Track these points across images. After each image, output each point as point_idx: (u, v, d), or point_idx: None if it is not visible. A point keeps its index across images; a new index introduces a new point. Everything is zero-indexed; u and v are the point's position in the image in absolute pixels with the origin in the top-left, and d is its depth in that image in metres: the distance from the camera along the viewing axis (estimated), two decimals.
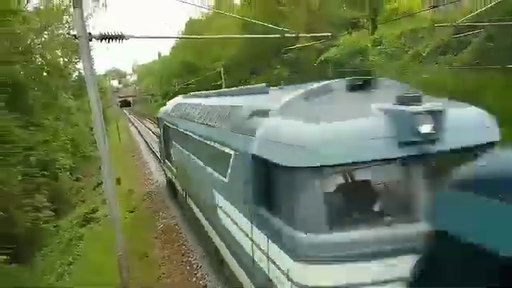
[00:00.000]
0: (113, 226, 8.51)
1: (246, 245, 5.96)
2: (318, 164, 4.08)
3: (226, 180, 6.99)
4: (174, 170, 15.40)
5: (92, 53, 8.77)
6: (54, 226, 26.20)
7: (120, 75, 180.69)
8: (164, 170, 20.43)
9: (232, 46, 44.29)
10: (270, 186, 5.07)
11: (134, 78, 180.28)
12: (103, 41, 8.52)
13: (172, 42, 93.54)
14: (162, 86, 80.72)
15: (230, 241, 7.22)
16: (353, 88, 5.78)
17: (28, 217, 23.76)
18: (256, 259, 5.54)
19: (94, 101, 7.96)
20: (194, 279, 10.65)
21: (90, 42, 8.01)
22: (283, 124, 5.05)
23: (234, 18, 36.62)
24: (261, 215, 5.23)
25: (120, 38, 8.44)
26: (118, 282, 9.30)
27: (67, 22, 35.59)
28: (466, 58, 18.81)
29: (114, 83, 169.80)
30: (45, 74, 35.44)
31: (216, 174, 7.73)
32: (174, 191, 17.16)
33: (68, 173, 33.64)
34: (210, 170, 8.33)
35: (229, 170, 6.73)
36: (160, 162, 23.20)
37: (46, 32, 34.35)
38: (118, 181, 22.50)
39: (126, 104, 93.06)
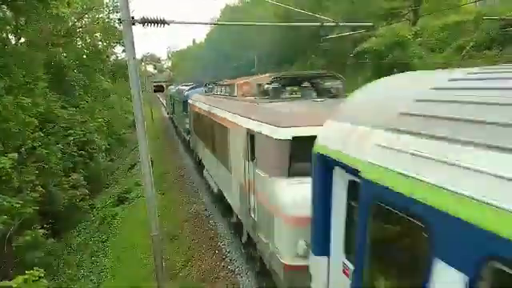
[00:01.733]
0: (146, 206, 8.71)
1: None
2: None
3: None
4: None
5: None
6: (89, 205, 27.24)
7: (155, 60, 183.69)
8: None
9: (267, 34, 44.00)
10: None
11: (169, 63, 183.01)
12: (144, 25, 8.65)
13: (207, 29, 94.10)
14: (196, 73, 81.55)
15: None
16: None
17: (65, 194, 24.82)
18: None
19: (134, 84, 8.11)
20: (223, 264, 10.82)
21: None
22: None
23: (271, 7, 36.28)
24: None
25: (161, 22, 8.52)
26: (151, 260, 9.59)
27: (107, 5, 36.41)
28: None
29: (149, 68, 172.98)
30: (84, 56, 36.52)
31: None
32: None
33: (103, 153, 34.81)
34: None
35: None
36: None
37: (86, 15, 35.28)
38: (151, 163, 23.08)
39: (159, 89, 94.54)
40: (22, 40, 25.34)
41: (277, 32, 40.05)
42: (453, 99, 2.86)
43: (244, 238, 9.89)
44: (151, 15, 8.42)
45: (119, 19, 7.91)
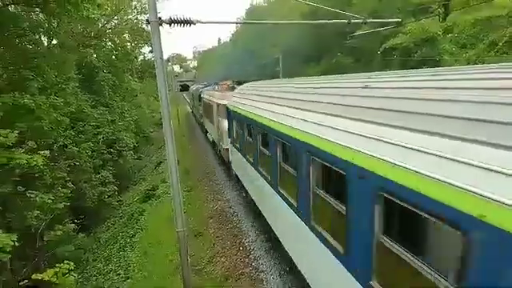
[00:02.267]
0: (172, 203, 8.86)
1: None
2: None
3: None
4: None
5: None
6: (118, 201, 27.97)
7: (181, 60, 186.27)
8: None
9: (291, 32, 43.79)
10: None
11: (195, 63, 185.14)
12: (171, 26, 8.81)
13: (232, 28, 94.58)
14: (221, 72, 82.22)
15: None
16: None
17: (95, 191, 25.58)
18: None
19: (161, 84, 8.24)
20: (247, 260, 10.88)
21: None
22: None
23: (296, 5, 36.05)
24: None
25: (188, 23, 8.63)
26: (176, 255, 9.73)
27: (135, 7, 37.24)
28: None
29: (175, 68, 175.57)
30: (113, 57, 37.46)
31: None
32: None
33: (131, 151, 35.65)
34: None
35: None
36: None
37: (115, 17, 36.15)
38: (177, 162, 23.42)
39: (185, 88, 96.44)
40: (54, 41, 26.21)
41: (302, 30, 39.79)
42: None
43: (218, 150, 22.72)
44: (178, 15, 8.54)
45: (147, 20, 8.04)
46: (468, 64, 17.93)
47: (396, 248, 3.61)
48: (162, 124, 8.63)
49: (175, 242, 10.62)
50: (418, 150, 3.29)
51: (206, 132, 30.78)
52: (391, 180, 3.52)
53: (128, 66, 39.31)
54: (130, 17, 37.68)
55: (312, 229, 5.92)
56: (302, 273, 6.89)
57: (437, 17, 26.91)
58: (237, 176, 15.09)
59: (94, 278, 17.80)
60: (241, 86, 15.72)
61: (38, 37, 23.94)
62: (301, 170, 6.22)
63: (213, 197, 17.85)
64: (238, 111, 12.29)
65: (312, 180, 5.81)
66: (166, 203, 18.94)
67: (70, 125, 24.26)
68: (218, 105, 19.11)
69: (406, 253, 3.48)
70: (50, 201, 16.37)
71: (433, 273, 3.12)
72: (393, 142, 3.69)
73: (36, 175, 17.02)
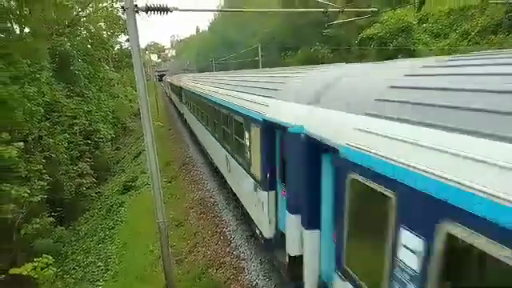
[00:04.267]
0: (152, 194, 8.85)
1: None
2: None
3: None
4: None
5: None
6: (96, 193, 27.60)
7: (158, 49, 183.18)
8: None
9: (271, 21, 43.72)
10: None
11: (173, 52, 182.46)
12: (148, 13, 8.69)
13: (210, 18, 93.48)
14: (199, 61, 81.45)
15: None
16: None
17: (72, 183, 25.16)
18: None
19: (139, 73, 8.15)
20: (228, 249, 10.99)
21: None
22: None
23: None
24: None
25: (165, 10, 8.55)
26: (157, 246, 9.77)
27: None
28: None
29: (153, 57, 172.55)
30: (89, 46, 36.56)
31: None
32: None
33: (109, 142, 35.09)
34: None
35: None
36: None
37: (90, 4, 35.22)
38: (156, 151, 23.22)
39: (162, 78, 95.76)
40: (27, 30, 25.40)
41: (281, 20, 39.76)
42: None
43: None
44: (154, 3, 8.45)
45: (122, 7, 7.91)
46: (440, 54, 18.34)
47: None
48: (140, 114, 8.56)
49: (156, 233, 10.64)
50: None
51: (171, 98, 57.14)
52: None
53: (104, 55, 38.43)
54: (105, 4, 36.79)
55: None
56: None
57: (412, 6, 27.36)
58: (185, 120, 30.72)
59: (74, 270, 17.62)
60: (190, 74, 31.53)
61: (9, 25, 23.15)
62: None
63: (193, 187, 17.85)
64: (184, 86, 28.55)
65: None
66: (146, 194, 18.84)
67: (45, 116, 23.68)
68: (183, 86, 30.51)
69: None
70: (26, 194, 16.05)
71: None
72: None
73: (11, 167, 16.63)
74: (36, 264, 12.87)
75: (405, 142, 3.05)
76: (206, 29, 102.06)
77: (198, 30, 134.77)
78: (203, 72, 44.30)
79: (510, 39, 18.09)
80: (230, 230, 12.14)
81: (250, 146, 8.41)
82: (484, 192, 2.18)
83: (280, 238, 7.23)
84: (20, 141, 17.32)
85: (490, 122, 2.44)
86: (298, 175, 5.55)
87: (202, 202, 15.50)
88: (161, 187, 8.62)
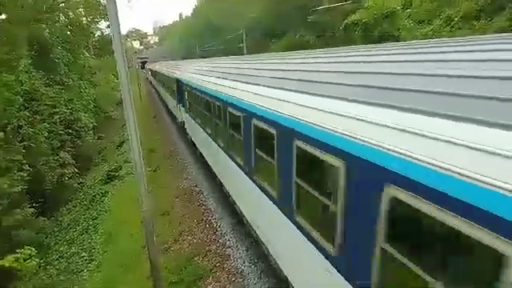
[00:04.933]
0: (136, 183, 8.70)
1: None
2: None
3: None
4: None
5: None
6: (79, 183, 27.17)
7: (141, 36, 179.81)
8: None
9: (256, 7, 43.21)
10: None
11: (156, 39, 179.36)
12: None
13: (194, 3, 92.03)
14: (183, 48, 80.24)
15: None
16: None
17: (54, 173, 24.68)
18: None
19: (120, 60, 7.89)
20: (214, 237, 10.96)
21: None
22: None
23: None
24: None
25: None
26: (142, 236, 9.65)
27: None
28: (501, 24, 17.86)
29: (136, 44, 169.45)
30: (68, 32, 35.56)
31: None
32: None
33: (91, 131, 34.46)
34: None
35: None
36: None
37: None
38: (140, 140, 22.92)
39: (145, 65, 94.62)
40: (3, 16, 24.48)
41: (265, 5, 39.35)
42: None
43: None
44: None
45: None
46: (425, 39, 18.44)
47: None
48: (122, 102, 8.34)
49: (141, 223, 10.53)
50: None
51: (151, 83, 64.97)
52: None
53: (84, 42, 37.47)
54: None
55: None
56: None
57: None
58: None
59: (57, 261, 17.39)
60: (168, 61, 40.17)
61: None
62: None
63: (179, 175, 17.70)
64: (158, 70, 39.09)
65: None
66: (131, 184, 18.61)
67: (24, 105, 23.04)
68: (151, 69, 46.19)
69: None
70: (5, 185, 15.66)
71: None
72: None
73: None
74: (19, 255, 12.63)
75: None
76: (190, 15, 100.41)
77: (181, 16, 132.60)
78: (186, 59, 43.25)
79: (493, 25, 18.28)
80: (215, 218, 12.10)
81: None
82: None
83: None
84: None
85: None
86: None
87: (187, 191, 15.40)
88: (145, 176, 8.47)
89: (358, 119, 3.47)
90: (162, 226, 13.11)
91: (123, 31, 9.24)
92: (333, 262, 4.14)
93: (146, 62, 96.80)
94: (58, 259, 17.58)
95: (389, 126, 3.06)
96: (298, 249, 5.24)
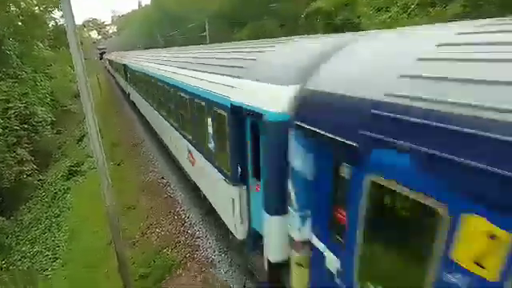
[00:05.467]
0: (98, 178, 8.48)
1: None
2: None
3: None
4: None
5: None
6: (39, 180, 26.10)
7: (99, 26, 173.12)
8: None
9: None
10: None
11: (114, 29, 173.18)
12: None
13: None
14: (143, 38, 78.05)
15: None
16: None
17: (11, 171, 23.56)
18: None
19: (75, 51, 7.57)
20: (182, 228, 10.90)
21: None
22: None
23: None
24: None
25: None
26: (107, 231, 9.45)
27: None
28: (456, 11, 18.56)
29: (93, 34, 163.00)
30: (19, 23, 33.66)
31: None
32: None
33: (49, 126, 33.00)
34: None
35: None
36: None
37: None
38: (100, 133, 22.29)
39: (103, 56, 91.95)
40: None
41: None
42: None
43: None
44: None
45: None
46: (382, 27, 18.91)
47: None
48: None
49: (106, 218, 10.27)
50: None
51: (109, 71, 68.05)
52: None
53: (37, 33, 35.60)
54: None
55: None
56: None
57: None
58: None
59: (20, 262, 16.74)
60: (120, 52, 47.20)
61: None
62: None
63: (144, 168, 17.37)
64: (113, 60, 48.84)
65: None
66: (94, 179, 18.08)
67: None
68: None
69: None
70: None
71: None
72: None
73: None
74: None
75: None
76: (149, 3, 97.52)
77: (140, 4, 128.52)
78: (148, 49, 42.58)
79: (448, 12, 18.97)
80: (183, 210, 12.01)
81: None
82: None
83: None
84: None
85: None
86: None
87: (153, 184, 15.16)
88: (107, 170, 8.25)
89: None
90: (128, 220, 12.88)
91: (79, 21, 8.94)
92: (227, 177, 6.89)
93: (104, 52, 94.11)
94: (20, 259, 16.93)
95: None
96: (212, 176, 8.02)
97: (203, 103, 7.89)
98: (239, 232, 6.85)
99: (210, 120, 7.61)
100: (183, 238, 10.38)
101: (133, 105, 28.47)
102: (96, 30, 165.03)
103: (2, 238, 19.18)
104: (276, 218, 5.22)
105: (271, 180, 5.19)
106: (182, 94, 9.90)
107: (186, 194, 12.90)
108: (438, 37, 3.21)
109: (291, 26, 28.96)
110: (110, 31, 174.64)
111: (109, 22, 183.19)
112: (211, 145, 7.85)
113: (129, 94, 30.98)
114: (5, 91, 26.11)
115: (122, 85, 37.65)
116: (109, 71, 71.77)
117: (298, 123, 4.13)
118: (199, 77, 8.47)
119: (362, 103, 3.16)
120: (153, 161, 17.88)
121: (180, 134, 11.10)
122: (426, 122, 2.51)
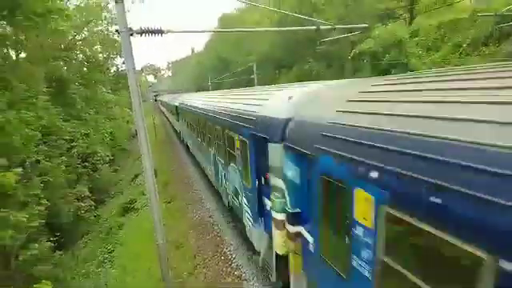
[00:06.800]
0: (151, 216, 8.80)
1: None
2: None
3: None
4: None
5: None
6: (95, 216, 27.35)
7: (155, 71, 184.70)
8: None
9: (264, 40, 44.28)
10: None
11: (169, 73, 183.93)
12: (142, 35, 8.80)
13: (206, 38, 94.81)
14: (196, 81, 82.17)
15: None
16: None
17: (71, 206, 24.93)
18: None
19: (135, 95, 8.21)
20: (229, 269, 10.87)
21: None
22: None
23: (267, 13, 36.50)
24: None
25: (159, 32, 8.66)
26: (158, 269, 9.65)
27: (105, 18, 36.82)
28: (510, 49, 17.94)
29: (150, 78, 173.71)
30: (85, 69, 36.82)
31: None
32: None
33: (107, 164, 34.97)
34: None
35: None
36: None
37: (85, 28, 35.62)
38: (155, 173, 23.15)
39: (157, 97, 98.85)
40: (23, 55, 25.59)
41: (274, 38, 40.28)
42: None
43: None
44: (150, 25, 8.57)
45: (117, 30, 7.99)
46: (434, 67, 18.59)
47: None
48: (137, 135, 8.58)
49: (156, 256, 10.53)
50: None
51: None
52: None
53: (100, 78, 38.68)
54: (100, 28, 37.22)
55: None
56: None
57: (403, 21, 27.81)
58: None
59: None
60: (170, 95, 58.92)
61: (5, 50, 23.34)
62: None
63: (193, 207, 17.74)
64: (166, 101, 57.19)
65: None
66: (146, 216, 18.70)
67: (42, 139, 23.66)
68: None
69: None
70: (24, 219, 15.88)
71: None
72: None
73: (9, 193, 16.48)
74: None
75: None
76: (202, 49, 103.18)
77: (193, 50, 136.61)
78: (199, 91, 45.60)
79: (501, 50, 18.36)
80: (230, 250, 12.03)
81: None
82: None
83: None
84: (18, 166, 17.23)
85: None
86: None
87: (201, 223, 15.39)
88: (159, 209, 8.58)
89: None
90: (177, 258, 13.07)
91: (138, 66, 9.72)
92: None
93: (158, 94, 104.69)
94: None
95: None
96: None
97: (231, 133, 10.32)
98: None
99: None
100: (230, 279, 10.35)
101: (182, 141, 32.45)
102: (153, 74, 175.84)
103: (58, 271, 20.03)
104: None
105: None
106: (218, 127, 12.60)
107: (233, 233, 12.96)
108: (361, 86, 5.15)
109: (337, 67, 29.27)
110: (166, 75, 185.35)
111: (164, 66, 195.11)
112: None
113: (180, 132, 34.46)
114: (69, 131, 28.21)
115: (173, 122, 43.14)
116: (162, 112, 77.43)
117: (287, 144, 6.04)
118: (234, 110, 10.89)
119: (317, 127, 5.07)
120: (202, 199, 18.25)
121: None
122: (347, 138, 4.19)
